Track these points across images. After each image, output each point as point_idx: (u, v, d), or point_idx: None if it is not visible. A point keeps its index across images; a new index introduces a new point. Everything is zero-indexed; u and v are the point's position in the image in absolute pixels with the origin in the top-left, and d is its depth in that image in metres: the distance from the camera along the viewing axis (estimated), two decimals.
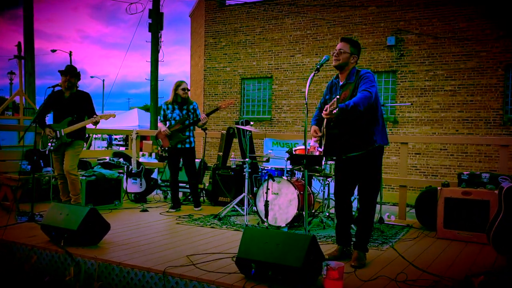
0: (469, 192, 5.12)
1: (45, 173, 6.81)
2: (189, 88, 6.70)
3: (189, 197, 7.47)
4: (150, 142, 13.24)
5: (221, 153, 7.61)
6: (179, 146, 6.57)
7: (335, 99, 3.50)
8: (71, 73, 5.83)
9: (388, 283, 3.55)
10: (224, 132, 7.65)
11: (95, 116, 5.89)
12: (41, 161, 6.82)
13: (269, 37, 15.45)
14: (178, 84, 6.64)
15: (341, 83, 4.20)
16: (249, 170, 5.96)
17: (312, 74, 3.92)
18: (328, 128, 4.02)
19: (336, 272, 3.31)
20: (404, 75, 13.53)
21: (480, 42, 12.58)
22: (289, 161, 5.85)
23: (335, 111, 3.54)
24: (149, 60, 15.91)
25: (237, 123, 7.47)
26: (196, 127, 6.72)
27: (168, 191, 7.94)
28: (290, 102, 15.11)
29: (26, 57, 12.94)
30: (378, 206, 5.75)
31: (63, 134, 5.82)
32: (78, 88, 6.04)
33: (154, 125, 15.88)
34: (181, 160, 6.78)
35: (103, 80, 49.00)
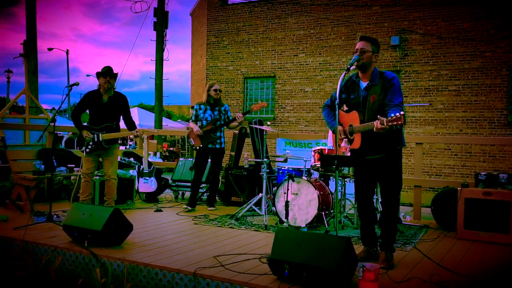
0: (490, 193, 5.12)
1: (59, 172, 6.76)
2: (220, 89, 6.74)
3: (201, 197, 7.44)
4: (155, 141, 13.23)
5: (233, 153, 7.58)
6: (209, 146, 6.61)
7: (399, 115, 3.46)
8: (110, 74, 5.82)
9: (422, 284, 3.54)
10: (237, 132, 7.62)
11: (136, 130, 5.97)
12: (54, 160, 6.76)
13: (272, 36, 15.44)
14: (211, 85, 6.70)
15: (363, 83, 4.12)
16: (267, 170, 5.94)
17: (343, 74, 3.88)
18: None
19: (372, 273, 3.30)
20: (408, 75, 13.56)
21: (484, 42, 12.64)
22: (307, 162, 5.85)
23: (399, 126, 3.51)
24: (154, 59, 15.88)
25: (250, 122, 7.45)
26: (227, 128, 6.82)
27: (179, 191, 7.91)
28: (293, 102, 15.11)
29: (29, 56, 12.84)
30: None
31: (101, 139, 5.84)
32: (115, 90, 6.04)
33: (158, 124, 15.83)
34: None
35: None
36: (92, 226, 4.39)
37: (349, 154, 3.78)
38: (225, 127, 6.76)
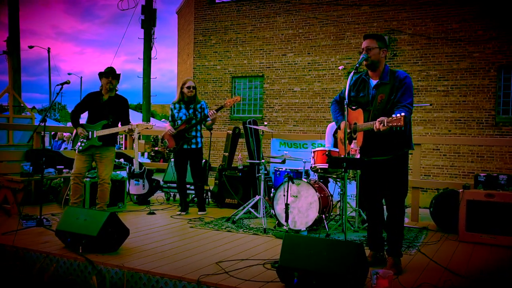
0: (492, 195, 5.05)
1: (47, 174, 6.51)
2: (194, 85, 6.40)
3: (194, 199, 7.26)
4: (143, 141, 12.98)
5: (226, 154, 7.42)
6: (185, 146, 6.29)
7: (400, 116, 3.36)
8: (113, 74, 5.69)
9: None
10: (230, 132, 7.46)
11: (130, 124, 5.71)
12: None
13: (260, 35, 15.29)
14: (183, 83, 6.38)
15: (373, 81, 4.02)
16: (265, 172, 5.80)
17: (351, 73, 3.78)
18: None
19: (386, 280, 3.19)
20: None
21: (472, 43, 12.68)
22: (306, 163, 5.73)
23: (399, 128, 3.41)
24: (141, 57, 15.59)
25: (244, 123, 7.31)
26: (205, 128, 6.49)
27: (171, 192, 7.72)
28: (281, 102, 14.99)
29: (12, 54, 12.50)
30: None
31: (95, 136, 5.67)
32: (118, 92, 5.90)
33: None
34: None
35: (81, 78, 48.18)
36: (87, 231, 4.20)
37: (358, 156, 3.66)
38: (202, 126, 6.41)
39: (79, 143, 5.69)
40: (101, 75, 5.73)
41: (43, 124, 5.13)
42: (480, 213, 5.09)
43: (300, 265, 3.34)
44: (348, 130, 4.00)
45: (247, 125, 7.08)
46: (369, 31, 13.77)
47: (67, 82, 5.31)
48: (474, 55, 12.68)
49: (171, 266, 3.90)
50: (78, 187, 5.75)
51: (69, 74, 49.27)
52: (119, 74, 5.74)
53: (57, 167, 6.59)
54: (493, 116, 12.48)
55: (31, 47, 35.14)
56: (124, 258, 4.09)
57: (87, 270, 4.01)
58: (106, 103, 5.78)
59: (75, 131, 5.94)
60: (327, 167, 5.29)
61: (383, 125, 3.48)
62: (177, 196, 7.82)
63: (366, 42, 3.97)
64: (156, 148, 22.13)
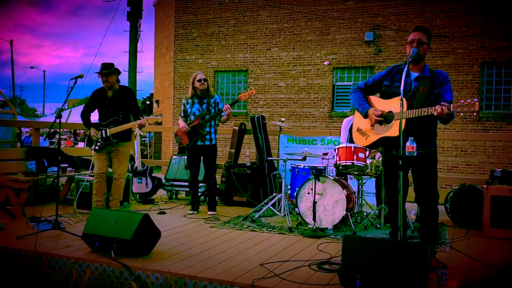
0: None
1: (50, 173, 6.17)
2: (205, 78, 6.21)
3: (201, 197, 7.04)
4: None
5: (233, 150, 7.23)
6: (199, 143, 6.06)
7: (473, 102, 3.32)
8: (106, 73, 5.48)
9: None
10: (236, 128, 7.27)
11: (141, 117, 5.53)
12: (44, 160, 6.16)
13: (244, 29, 15.08)
14: (194, 77, 6.18)
15: (414, 73, 3.97)
16: (285, 169, 5.66)
17: (406, 68, 3.68)
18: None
19: (455, 282, 3.12)
20: (381, 70, 13.59)
21: (456, 39, 12.88)
22: (329, 160, 5.62)
23: (462, 114, 3.38)
24: (127, 50, 15.13)
25: (252, 118, 7.14)
26: (220, 123, 6.28)
27: (174, 191, 7.48)
28: (266, 97, 14.85)
29: None
30: (408, 205, 5.65)
31: (108, 134, 5.53)
32: (120, 84, 5.72)
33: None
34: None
35: (44, 71, 46.71)
36: (119, 235, 3.95)
37: (416, 154, 3.56)
38: (217, 122, 6.20)
39: (94, 145, 5.56)
40: (98, 74, 5.58)
41: (58, 121, 4.81)
42: (505, 209, 5.11)
43: (364, 268, 3.22)
44: (379, 112, 3.93)
45: (261, 120, 6.91)
46: (354, 27, 13.81)
47: (81, 76, 5.03)
48: (458, 51, 12.89)
49: (214, 269, 3.70)
50: (101, 185, 5.64)
51: (31, 68, 47.74)
52: (113, 70, 5.53)
53: (61, 165, 6.25)
54: (476, 111, 12.70)
55: None
56: (160, 263, 3.87)
57: (123, 276, 3.77)
58: (112, 99, 5.64)
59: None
60: (351, 164, 5.19)
61: (449, 110, 3.42)
62: (180, 195, 7.61)
63: (417, 34, 3.90)
64: None
